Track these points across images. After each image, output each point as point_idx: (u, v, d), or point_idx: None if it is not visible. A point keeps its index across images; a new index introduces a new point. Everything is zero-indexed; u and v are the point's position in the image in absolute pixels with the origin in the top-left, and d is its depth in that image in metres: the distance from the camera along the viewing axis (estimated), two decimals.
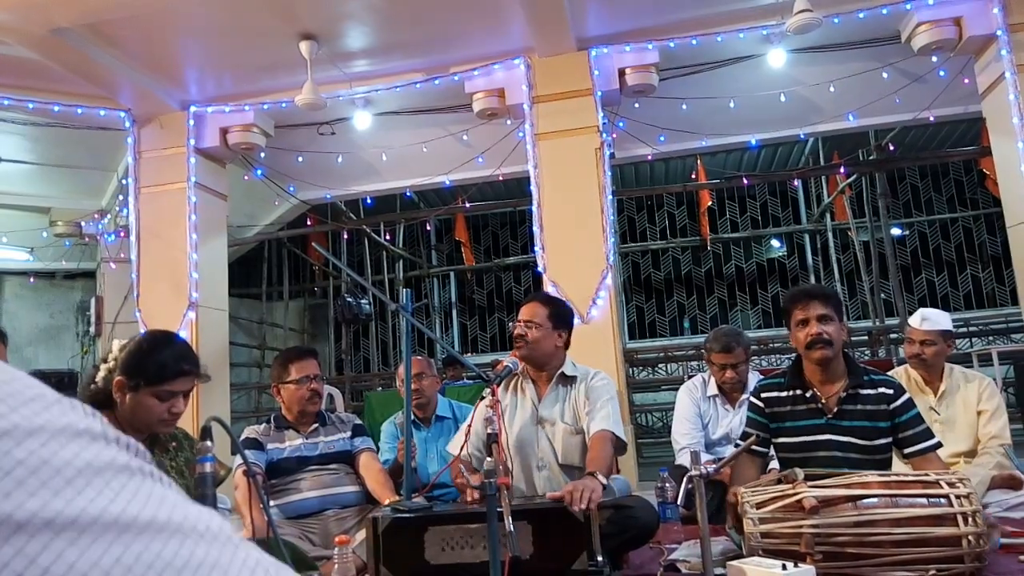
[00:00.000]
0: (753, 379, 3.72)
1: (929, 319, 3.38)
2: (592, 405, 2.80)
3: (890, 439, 2.60)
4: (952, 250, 11.26)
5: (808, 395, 2.67)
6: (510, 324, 2.97)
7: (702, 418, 3.72)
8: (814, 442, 2.64)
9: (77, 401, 0.41)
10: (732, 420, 3.66)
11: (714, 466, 2.14)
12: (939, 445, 2.59)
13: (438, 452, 3.70)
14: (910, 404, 2.61)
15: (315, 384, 3.16)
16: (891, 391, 2.62)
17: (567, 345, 2.99)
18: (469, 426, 2.90)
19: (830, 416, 2.63)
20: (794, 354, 2.83)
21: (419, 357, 3.91)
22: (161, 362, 2.03)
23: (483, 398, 2.82)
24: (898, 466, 2.73)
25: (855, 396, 2.62)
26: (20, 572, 0.33)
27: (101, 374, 2.08)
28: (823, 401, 2.65)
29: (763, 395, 2.77)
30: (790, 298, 2.75)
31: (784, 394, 2.73)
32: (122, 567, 0.35)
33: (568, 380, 2.93)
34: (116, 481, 0.38)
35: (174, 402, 2.05)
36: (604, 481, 2.41)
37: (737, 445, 2.80)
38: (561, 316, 2.97)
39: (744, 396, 3.63)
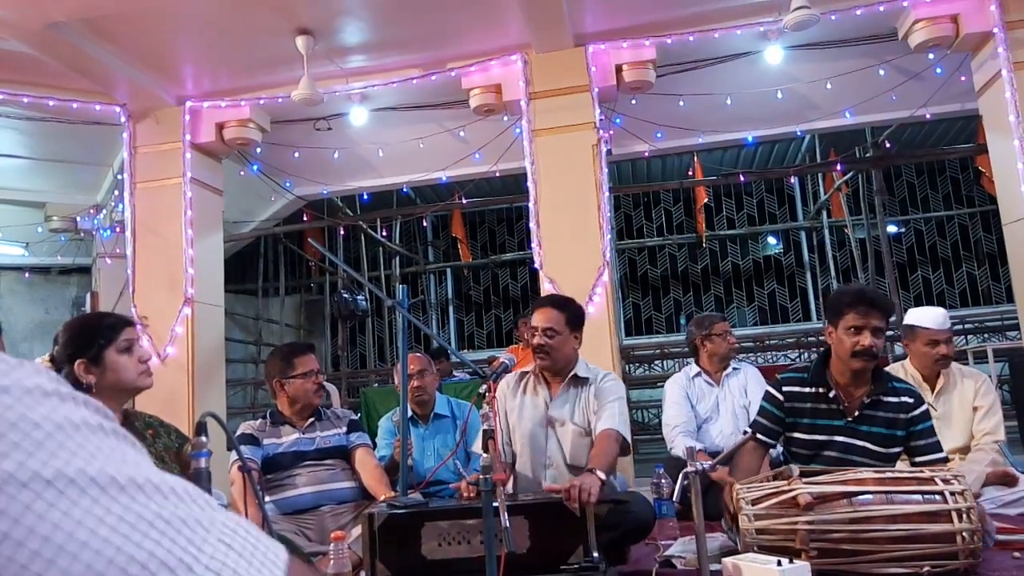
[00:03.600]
0: (747, 370, 4.04)
1: (946, 317, 3.39)
2: (600, 404, 2.80)
3: (902, 448, 2.60)
4: (948, 247, 11.28)
5: (831, 395, 2.64)
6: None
7: (690, 398, 3.95)
8: (827, 442, 2.63)
9: (41, 364, 0.41)
10: (718, 393, 3.94)
11: (710, 462, 2.14)
12: (946, 459, 2.60)
13: (435, 449, 3.70)
14: (927, 415, 2.61)
15: (319, 377, 3.19)
16: (911, 400, 2.61)
17: (580, 343, 2.97)
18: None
19: (850, 419, 2.61)
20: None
21: (419, 354, 3.91)
22: (104, 324, 2.16)
23: (482, 395, 2.82)
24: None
25: (877, 403, 2.61)
26: (5, 531, 0.33)
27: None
28: (845, 404, 2.63)
29: (784, 388, 2.74)
30: (849, 300, 2.61)
31: (806, 390, 2.71)
32: (105, 525, 0.35)
33: (580, 381, 2.92)
34: (92, 441, 0.38)
35: (138, 352, 2.17)
36: (603, 477, 2.41)
37: (745, 433, 2.80)
38: (577, 318, 2.95)
39: (727, 371, 3.95)
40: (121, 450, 0.39)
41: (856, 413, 2.60)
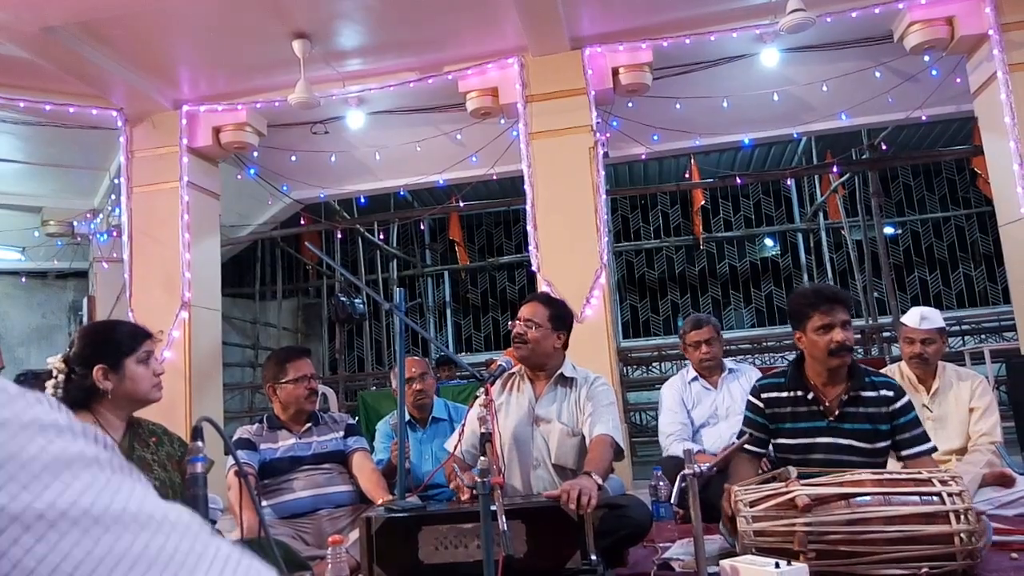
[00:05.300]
0: (747, 372, 3.96)
1: (928, 318, 3.39)
2: (594, 409, 2.80)
3: (889, 441, 2.60)
4: (944, 249, 11.30)
5: (809, 397, 2.66)
6: (510, 324, 2.97)
7: (686, 403, 3.85)
8: (813, 444, 2.63)
9: (43, 394, 0.41)
10: (716, 398, 3.83)
11: (707, 465, 2.14)
12: (934, 449, 2.60)
13: (433, 453, 3.69)
14: (909, 406, 2.61)
15: (312, 382, 3.18)
16: (891, 393, 2.61)
17: (566, 346, 2.98)
18: (464, 424, 2.90)
19: (831, 419, 2.61)
20: (795, 352, 2.83)
21: (419, 358, 3.93)
22: (126, 332, 2.21)
23: (476, 397, 2.83)
24: (892, 466, 2.74)
25: (856, 399, 2.61)
26: None
27: (51, 387, 2.11)
28: (825, 404, 2.64)
29: (763, 395, 2.75)
30: (811, 301, 2.62)
31: (784, 395, 2.71)
32: (93, 560, 0.35)
33: (567, 381, 2.93)
34: (85, 474, 0.38)
35: (154, 365, 2.22)
36: (600, 481, 2.41)
37: (742, 434, 2.80)
38: (561, 317, 2.97)
39: (723, 375, 3.87)
40: (117, 481, 0.39)
41: (837, 412, 2.61)
